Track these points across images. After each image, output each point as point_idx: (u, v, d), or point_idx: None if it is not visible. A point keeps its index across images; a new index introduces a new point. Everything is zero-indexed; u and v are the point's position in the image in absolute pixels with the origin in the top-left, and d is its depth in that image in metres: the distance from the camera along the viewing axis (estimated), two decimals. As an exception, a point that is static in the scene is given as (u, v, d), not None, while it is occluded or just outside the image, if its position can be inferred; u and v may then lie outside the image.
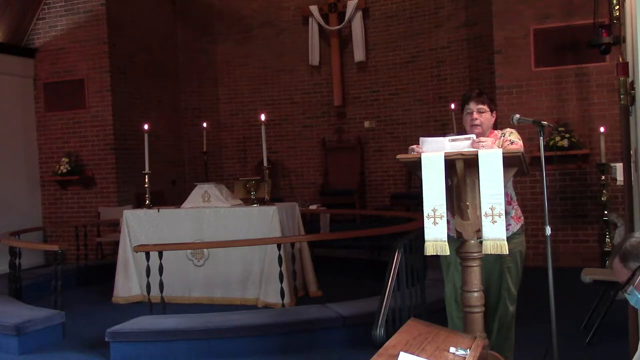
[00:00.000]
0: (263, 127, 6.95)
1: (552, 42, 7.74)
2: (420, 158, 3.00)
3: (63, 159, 9.48)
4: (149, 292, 5.92)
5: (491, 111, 3.60)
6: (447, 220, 3.03)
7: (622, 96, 3.73)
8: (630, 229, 3.73)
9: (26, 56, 9.64)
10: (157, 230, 6.79)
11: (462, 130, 3.74)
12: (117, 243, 7.27)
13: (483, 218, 2.92)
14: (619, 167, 5.19)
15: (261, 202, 6.71)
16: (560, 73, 7.73)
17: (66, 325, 5.52)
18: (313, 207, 9.17)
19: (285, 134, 11.13)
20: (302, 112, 11.06)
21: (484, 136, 3.47)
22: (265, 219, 6.45)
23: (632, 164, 3.68)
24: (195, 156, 11.01)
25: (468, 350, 2.68)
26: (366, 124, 10.71)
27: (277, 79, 11.15)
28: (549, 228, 3.36)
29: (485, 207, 2.91)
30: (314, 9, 10.71)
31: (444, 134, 3.73)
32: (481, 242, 2.96)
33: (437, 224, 2.95)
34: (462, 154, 2.98)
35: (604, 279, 4.77)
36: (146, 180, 7.03)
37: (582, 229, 7.69)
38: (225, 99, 11.39)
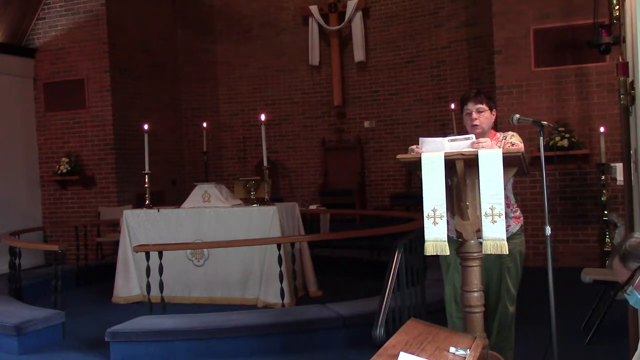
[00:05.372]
0: (263, 127, 6.95)
1: (552, 42, 7.74)
2: (420, 158, 3.00)
3: (63, 159, 9.48)
4: (149, 292, 5.91)
5: (490, 110, 3.60)
6: (447, 220, 3.03)
7: (622, 96, 3.72)
8: (630, 229, 3.72)
9: (26, 56, 9.64)
10: (157, 230, 6.79)
11: (462, 130, 3.74)
12: (117, 243, 7.27)
13: (483, 218, 2.92)
14: (619, 167, 5.18)
15: (261, 202, 6.70)
16: (560, 73, 7.73)
17: (66, 325, 5.52)
18: (313, 207, 9.18)
19: (285, 134, 11.13)
20: (302, 112, 11.06)
21: (484, 136, 3.47)
22: (265, 219, 6.44)
23: (632, 164, 3.68)
24: (195, 156, 11.01)
25: (468, 350, 2.68)
26: (366, 124, 10.71)
27: (277, 79, 11.16)
28: (549, 228, 3.36)
29: (485, 207, 2.91)
30: (314, 9, 10.71)
31: (444, 134, 3.73)
32: (481, 242, 2.96)
33: (437, 224, 2.95)
34: (462, 154, 2.98)
35: (604, 279, 4.77)
36: (146, 180, 7.03)
37: (582, 229, 7.69)
38: (225, 99, 11.39)
